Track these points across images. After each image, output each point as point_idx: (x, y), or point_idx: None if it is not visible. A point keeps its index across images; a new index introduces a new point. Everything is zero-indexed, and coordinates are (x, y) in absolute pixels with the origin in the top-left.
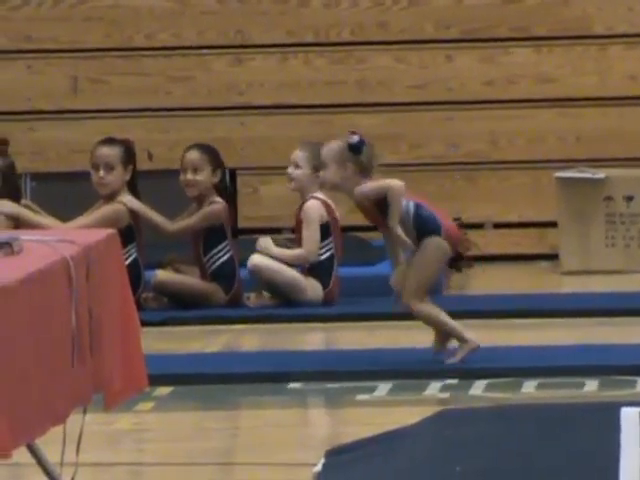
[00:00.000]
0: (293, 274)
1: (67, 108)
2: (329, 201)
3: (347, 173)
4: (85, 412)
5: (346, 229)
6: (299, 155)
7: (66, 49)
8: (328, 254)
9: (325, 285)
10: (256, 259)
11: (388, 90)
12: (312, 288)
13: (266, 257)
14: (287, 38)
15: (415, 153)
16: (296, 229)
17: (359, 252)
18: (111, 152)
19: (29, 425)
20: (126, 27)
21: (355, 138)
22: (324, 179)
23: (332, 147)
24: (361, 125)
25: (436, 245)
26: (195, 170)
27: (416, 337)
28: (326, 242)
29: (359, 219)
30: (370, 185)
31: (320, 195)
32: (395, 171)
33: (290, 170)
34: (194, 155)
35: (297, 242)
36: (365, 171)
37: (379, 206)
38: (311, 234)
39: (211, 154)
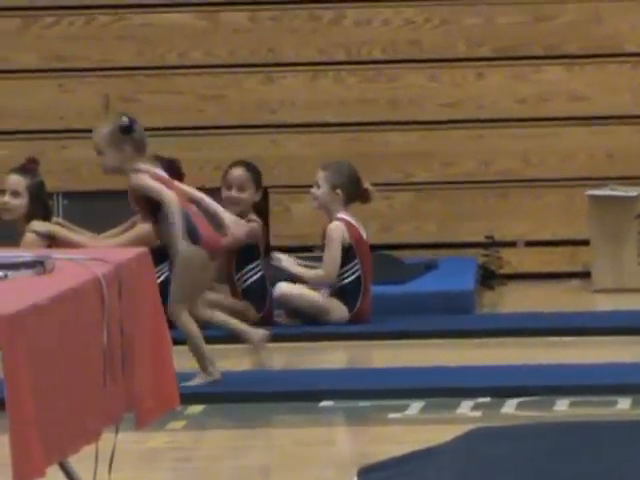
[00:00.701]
0: (318, 299)
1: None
2: (354, 222)
3: (125, 155)
4: (117, 430)
5: (377, 247)
6: (320, 174)
7: (98, 67)
8: (354, 277)
9: (351, 307)
10: (282, 287)
11: (419, 108)
12: (337, 310)
13: (292, 285)
14: (318, 56)
15: (447, 171)
16: (324, 249)
17: (390, 270)
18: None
19: (61, 443)
20: (158, 45)
21: (125, 119)
22: (105, 165)
23: (103, 133)
24: (393, 143)
25: (190, 255)
26: (240, 188)
27: (449, 355)
28: (351, 265)
29: (390, 237)
30: (148, 183)
31: (345, 216)
32: (427, 189)
33: (313, 190)
34: (240, 173)
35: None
36: (141, 149)
37: (149, 201)
38: (331, 255)
39: (256, 173)
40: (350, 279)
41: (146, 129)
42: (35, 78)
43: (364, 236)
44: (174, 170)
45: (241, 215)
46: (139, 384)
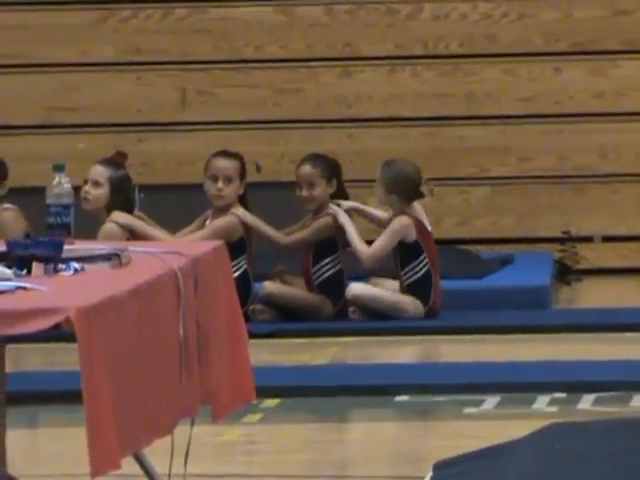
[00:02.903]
0: (391, 297)
1: (176, 120)
2: (420, 217)
3: None
4: (193, 424)
5: (453, 242)
6: (379, 173)
7: (175, 61)
8: (424, 271)
9: (425, 302)
10: (355, 289)
11: (496, 103)
12: (411, 307)
13: (364, 285)
14: (395, 51)
15: (524, 166)
16: (390, 252)
17: (466, 265)
18: (230, 165)
19: (137, 436)
20: (235, 39)
21: None
22: None
23: None
24: (469, 137)
25: None
26: (310, 186)
27: (525, 350)
28: (419, 259)
29: (466, 232)
30: None
31: (411, 211)
32: (503, 184)
33: (375, 186)
34: (307, 170)
35: (393, 264)
36: None
37: None
38: (383, 244)
39: (324, 165)
40: (420, 274)
41: (222, 122)
42: (112, 71)
43: (429, 228)
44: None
45: (317, 211)
46: (215, 377)
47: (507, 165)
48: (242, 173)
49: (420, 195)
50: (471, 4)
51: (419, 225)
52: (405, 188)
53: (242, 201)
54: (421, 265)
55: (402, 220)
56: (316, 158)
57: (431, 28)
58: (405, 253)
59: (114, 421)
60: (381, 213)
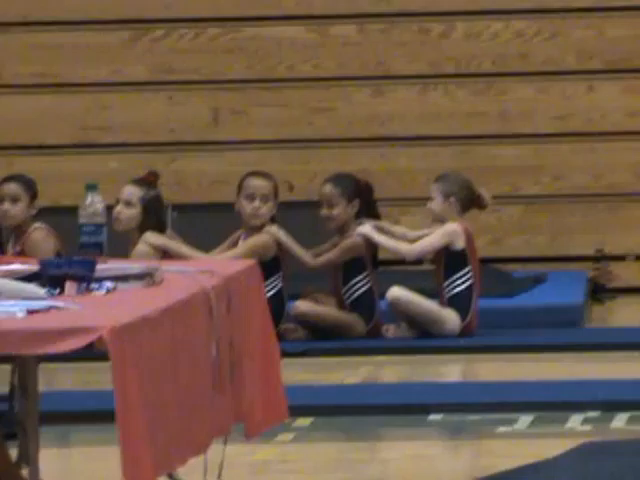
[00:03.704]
0: (431, 306)
1: (208, 139)
2: (471, 230)
3: None
4: (226, 442)
5: (486, 260)
6: (432, 187)
7: (208, 80)
8: (467, 284)
9: (463, 316)
10: (396, 292)
11: (529, 121)
12: (450, 320)
13: (406, 290)
14: (428, 69)
15: (557, 184)
16: (435, 259)
17: (499, 283)
18: (266, 184)
19: (170, 455)
20: (267, 58)
21: None
22: None
23: None
24: (502, 156)
25: None
26: (330, 205)
27: (558, 369)
28: (464, 271)
29: (499, 250)
30: None
31: (463, 222)
32: (536, 202)
33: (428, 204)
34: (327, 190)
35: (436, 276)
36: None
37: None
38: (429, 241)
39: (346, 186)
40: (461, 287)
41: (255, 142)
42: (145, 91)
43: (475, 246)
44: None
45: (343, 229)
46: (248, 396)
47: (540, 183)
48: (276, 193)
49: (479, 201)
50: (504, 23)
51: (469, 236)
52: (464, 194)
53: (272, 221)
54: (465, 278)
55: (452, 225)
56: (339, 178)
57: (463, 47)
58: (451, 261)
59: (148, 440)
60: (406, 232)
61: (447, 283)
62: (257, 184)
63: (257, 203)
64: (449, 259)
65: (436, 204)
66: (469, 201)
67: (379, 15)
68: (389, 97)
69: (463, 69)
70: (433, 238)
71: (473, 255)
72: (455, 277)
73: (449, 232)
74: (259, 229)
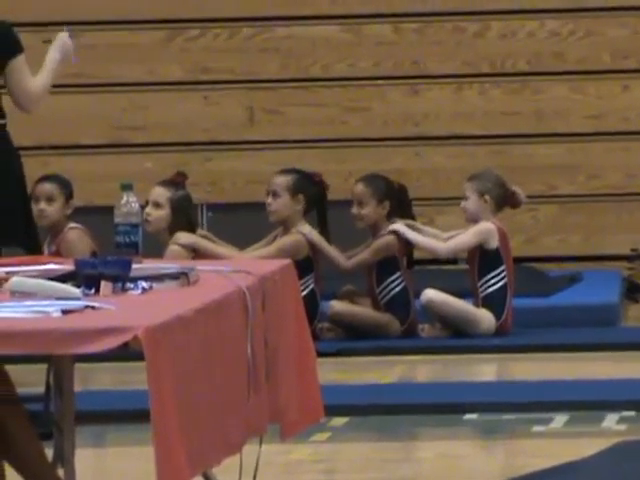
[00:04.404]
0: (466, 307)
1: (243, 139)
2: (504, 229)
3: None
4: (261, 442)
5: (521, 260)
6: (466, 186)
7: (242, 80)
8: (501, 283)
9: (498, 316)
10: (430, 293)
11: (564, 120)
12: (485, 320)
13: (440, 291)
14: (463, 69)
15: (592, 184)
16: (469, 259)
17: (534, 283)
18: (278, 180)
19: (205, 454)
20: (302, 58)
21: None
22: None
23: None
24: (537, 156)
25: None
26: (360, 204)
27: (593, 368)
28: (498, 270)
29: (534, 250)
30: None
31: (496, 222)
32: (571, 201)
33: (463, 203)
34: (359, 189)
35: (471, 275)
36: None
37: None
38: (463, 240)
39: (378, 186)
40: (496, 287)
41: (289, 141)
42: (180, 90)
43: (510, 246)
44: None
45: (374, 228)
46: (283, 396)
47: (575, 183)
48: (299, 189)
49: (514, 198)
50: (538, 22)
51: (503, 235)
52: (497, 192)
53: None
54: (499, 277)
55: (486, 224)
56: (371, 178)
57: (499, 46)
58: (485, 260)
59: (183, 440)
60: (438, 233)
61: (481, 282)
62: (271, 180)
63: (269, 199)
64: (483, 258)
65: (470, 202)
66: (503, 199)
67: (414, 14)
68: (424, 96)
69: (498, 68)
70: (467, 236)
71: (507, 254)
72: (489, 276)
73: (483, 231)
74: (290, 227)
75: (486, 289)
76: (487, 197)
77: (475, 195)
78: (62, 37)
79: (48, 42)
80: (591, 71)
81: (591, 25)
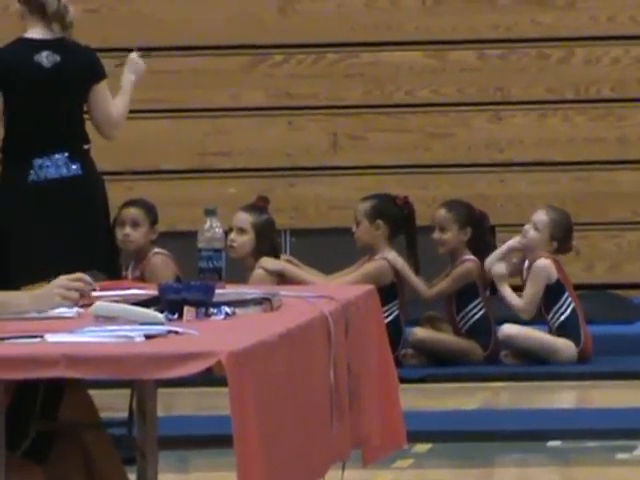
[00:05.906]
0: (545, 337)
1: (326, 164)
2: (558, 259)
3: None
4: (344, 468)
5: (605, 287)
6: (541, 217)
7: (326, 106)
8: (570, 310)
9: (577, 342)
10: (507, 329)
11: None
12: (566, 348)
13: (517, 325)
14: (547, 95)
15: None
16: (523, 286)
17: (617, 310)
18: (359, 207)
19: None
20: (386, 83)
21: None
22: None
23: None
24: (622, 182)
25: None
26: (442, 229)
27: None
28: (564, 299)
29: (618, 277)
30: None
31: (549, 255)
32: None
33: (527, 228)
34: (441, 214)
35: (541, 310)
36: None
37: None
38: (533, 292)
39: (459, 212)
40: (566, 314)
41: (373, 167)
42: (264, 116)
43: (566, 271)
44: None
45: (453, 254)
46: (366, 422)
47: None
48: (379, 215)
49: (568, 251)
50: (623, 48)
51: (557, 264)
52: (565, 238)
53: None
54: (566, 305)
55: (544, 264)
56: (453, 204)
57: (582, 72)
58: (549, 294)
59: (265, 466)
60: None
61: (551, 315)
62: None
63: (354, 227)
64: (548, 294)
65: (539, 239)
66: (562, 249)
67: (498, 40)
68: (508, 122)
69: (582, 95)
70: (535, 289)
71: (567, 281)
72: (557, 307)
73: (546, 275)
74: (373, 254)
75: (558, 318)
76: (555, 244)
77: (547, 235)
78: (133, 58)
79: (120, 66)
80: None
81: None
